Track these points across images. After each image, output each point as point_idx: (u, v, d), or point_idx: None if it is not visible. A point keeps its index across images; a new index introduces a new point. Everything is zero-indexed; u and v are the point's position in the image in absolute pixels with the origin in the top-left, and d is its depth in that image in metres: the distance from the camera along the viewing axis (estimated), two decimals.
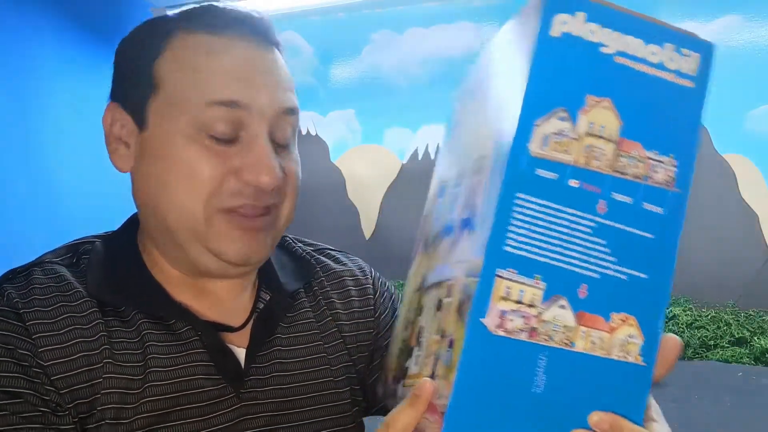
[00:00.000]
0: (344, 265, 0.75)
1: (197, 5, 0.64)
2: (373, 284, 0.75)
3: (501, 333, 0.43)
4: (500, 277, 0.43)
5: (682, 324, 2.48)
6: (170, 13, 0.66)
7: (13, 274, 0.61)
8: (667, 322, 2.59)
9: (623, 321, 0.45)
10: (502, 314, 0.43)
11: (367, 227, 3.19)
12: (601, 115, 0.45)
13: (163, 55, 0.61)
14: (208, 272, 0.62)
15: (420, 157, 3.19)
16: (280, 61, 0.63)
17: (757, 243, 2.50)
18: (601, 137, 0.45)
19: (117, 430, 0.56)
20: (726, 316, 2.48)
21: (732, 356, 2.35)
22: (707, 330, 2.46)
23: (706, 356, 2.39)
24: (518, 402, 0.43)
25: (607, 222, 0.44)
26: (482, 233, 0.44)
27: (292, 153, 0.63)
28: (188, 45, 0.61)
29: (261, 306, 0.67)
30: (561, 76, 0.45)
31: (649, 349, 0.44)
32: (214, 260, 0.60)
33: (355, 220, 3.20)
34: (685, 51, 0.47)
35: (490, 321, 0.43)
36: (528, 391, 0.43)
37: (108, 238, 0.67)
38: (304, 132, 3.05)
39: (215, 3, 0.64)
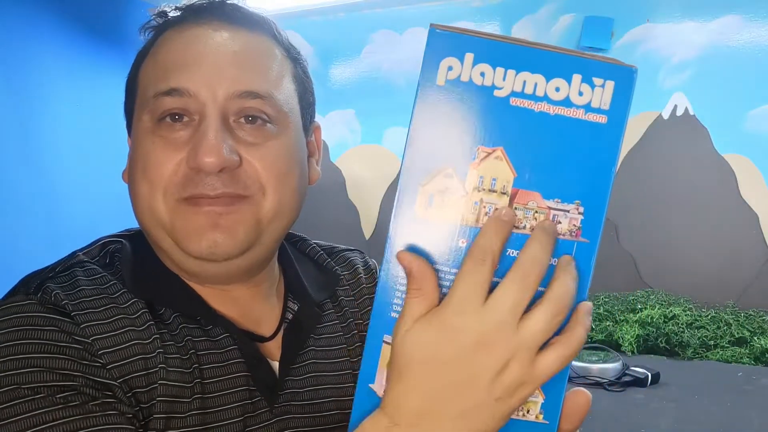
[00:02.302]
0: (359, 268, 0.74)
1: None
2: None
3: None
4: (387, 343, 0.42)
5: (682, 324, 2.48)
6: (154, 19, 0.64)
7: (53, 273, 0.57)
8: (666, 322, 2.60)
9: None
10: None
11: (367, 227, 3.19)
12: (492, 167, 0.41)
13: (144, 61, 0.61)
14: (198, 275, 0.60)
15: None
16: (244, 40, 0.59)
17: (757, 243, 2.50)
18: (492, 191, 0.41)
19: None
20: (726, 316, 2.48)
21: (732, 356, 2.35)
22: (707, 330, 2.46)
23: (706, 356, 2.39)
24: None
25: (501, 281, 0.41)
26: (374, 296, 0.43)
27: (270, 141, 0.58)
28: (159, 44, 0.61)
29: (290, 316, 0.65)
30: (447, 129, 0.41)
31: (552, 407, 0.43)
32: (190, 260, 0.57)
33: (355, 220, 3.20)
34: (597, 81, 0.41)
35: (378, 387, 0.42)
36: None
37: (133, 239, 0.64)
38: None
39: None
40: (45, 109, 2.44)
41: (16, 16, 2.35)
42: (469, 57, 0.40)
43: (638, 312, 2.54)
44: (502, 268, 0.40)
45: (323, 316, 0.67)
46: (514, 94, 0.41)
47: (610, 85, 0.41)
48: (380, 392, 0.42)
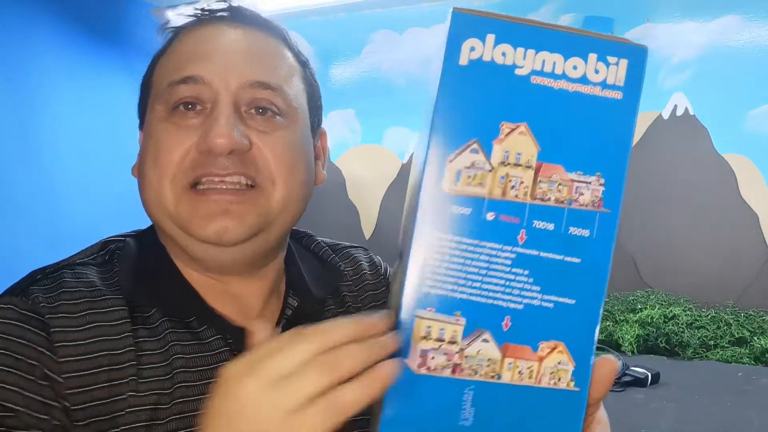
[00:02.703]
0: (364, 265, 0.74)
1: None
2: (387, 284, 0.74)
3: (423, 372, 0.43)
4: (420, 317, 0.42)
5: (682, 324, 2.47)
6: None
7: (42, 275, 0.59)
8: (666, 322, 2.59)
9: (552, 349, 0.44)
10: (424, 353, 0.43)
11: (367, 227, 3.19)
12: (516, 142, 0.43)
13: (160, 59, 0.63)
14: (203, 262, 0.60)
15: None
16: (256, 39, 0.62)
17: (757, 243, 2.50)
18: (518, 165, 0.43)
19: None
20: (726, 316, 2.48)
21: (732, 356, 2.34)
22: (707, 330, 2.45)
23: (706, 356, 2.39)
24: None
25: (528, 251, 0.43)
26: (403, 271, 0.44)
27: (279, 132, 0.60)
28: (175, 43, 0.63)
29: (289, 312, 0.65)
30: (471, 107, 0.42)
31: (582, 374, 0.44)
32: (196, 243, 0.58)
33: (355, 220, 3.20)
34: (611, 59, 0.44)
35: (411, 361, 0.43)
36: (456, 425, 0.43)
37: (139, 237, 0.66)
38: None
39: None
40: (45, 109, 2.44)
41: (16, 16, 2.35)
42: (490, 38, 0.42)
43: (638, 312, 2.54)
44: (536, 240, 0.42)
45: (324, 312, 0.67)
46: (534, 72, 0.43)
47: (623, 63, 0.44)
48: (414, 367, 0.42)
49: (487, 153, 0.42)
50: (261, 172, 0.58)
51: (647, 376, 2.02)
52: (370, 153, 3.19)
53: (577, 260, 0.43)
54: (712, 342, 2.40)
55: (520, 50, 0.42)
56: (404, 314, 0.42)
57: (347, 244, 0.77)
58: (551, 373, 0.44)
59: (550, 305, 0.44)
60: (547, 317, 0.44)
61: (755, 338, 2.34)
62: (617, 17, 2.68)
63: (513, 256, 0.43)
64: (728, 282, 2.52)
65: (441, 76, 0.42)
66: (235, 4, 0.64)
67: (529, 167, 0.43)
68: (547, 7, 2.81)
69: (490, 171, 0.43)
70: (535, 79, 0.43)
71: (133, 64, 2.81)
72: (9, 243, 2.15)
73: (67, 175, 2.48)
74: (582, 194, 0.43)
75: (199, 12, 0.63)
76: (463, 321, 0.43)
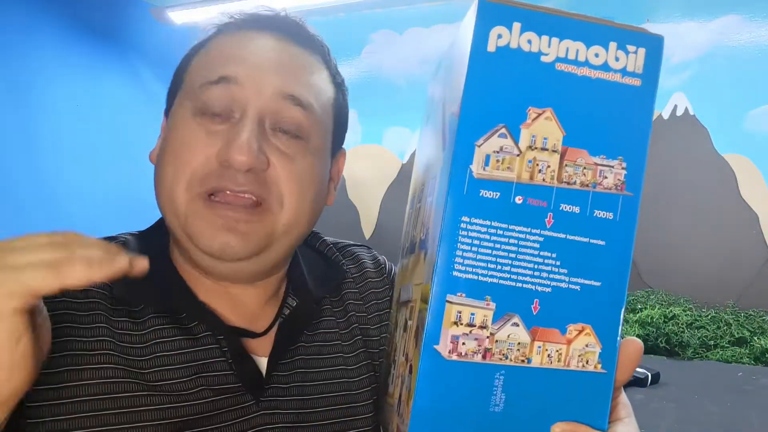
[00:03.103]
0: (367, 264, 0.74)
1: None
2: (391, 283, 0.74)
3: (454, 358, 0.43)
4: (450, 302, 0.42)
5: (682, 324, 2.47)
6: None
7: None
8: (666, 322, 2.59)
9: (580, 331, 0.45)
10: (454, 339, 0.43)
11: (367, 227, 3.19)
12: (543, 127, 0.44)
13: (197, 54, 0.63)
14: (204, 269, 0.60)
15: None
16: (296, 53, 0.61)
17: (757, 243, 2.50)
18: (544, 149, 0.44)
19: None
20: (726, 316, 2.48)
21: (732, 356, 2.34)
22: (707, 330, 2.45)
23: (706, 356, 2.39)
24: (478, 423, 0.43)
25: (556, 234, 0.44)
26: (431, 258, 0.44)
27: (300, 155, 0.59)
28: (214, 41, 0.62)
29: (286, 312, 0.65)
30: (499, 93, 0.43)
31: (609, 356, 0.45)
32: (198, 252, 0.58)
33: (355, 220, 3.20)
34: (630, 48, 0.45)
35: (443, 347, 0.43)
36: (487, 411, 0.43)
37: (141, 236, 0.66)
38: None
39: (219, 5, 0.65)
40: (45, 109, 2.44)
41: (16, 16, 2.35)
42: (516, 26, 0.43)
43: (638, 312, 2.54)
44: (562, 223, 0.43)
45: (321, 311, 0.67)
46: (558, 59, 0.44)
47: (642, 51, 0.45)
48: (445, 353, 0.42)
49: (515, 138, 0.43)
50: (272, 194, 0.58)
51: (647, 376, 2.02)
52: (370, 153, 3.19)
53: (602, 243, 0.44)
54: (712, 342, 2.40)
55: (545, 38, 0.44)
56: (434, 300, 0.42)
57: (351, 242, 0.77)
58: (579, 356, 0.44)
59: (577, 288, 0.44)
60: (574, 300, 0.44)
61: (755, 338, 2.34)
62: (617, 17, 2.67)
63: (541, 239, 0.44)
64: (728, 282, 2.52)
65: (469, 62, 0.43)
66: (282, 15, 0.64)
67: (555, 152, 0.44)
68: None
69: (518, 155, 0.43)
70: (560, 66, 0.44)
71: (133, 64, 2.81)
72: None
73: (67, 175, 2.48)
74: (606, 178, 0.44)
75: (244, 16, 0.63)
76: (493, 305, 0.43)
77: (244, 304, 0.64)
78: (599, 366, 0.45)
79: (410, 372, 0.45)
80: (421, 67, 3.04)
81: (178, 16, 2.92)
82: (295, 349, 0.63)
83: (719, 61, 2.51)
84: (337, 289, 0.70)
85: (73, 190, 2.49)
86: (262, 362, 0.61)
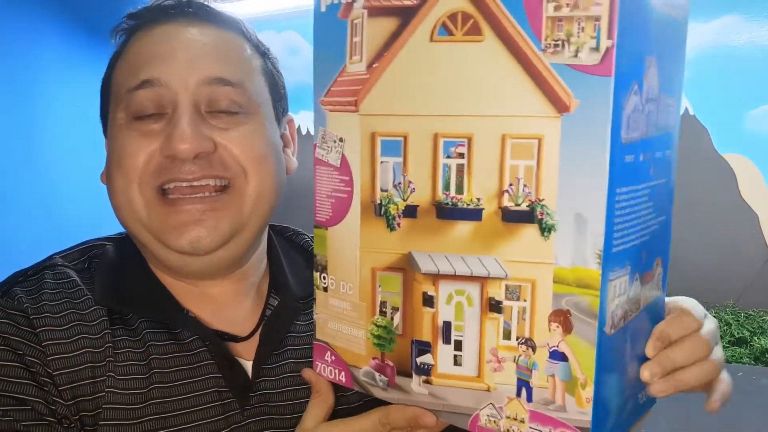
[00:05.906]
0: None
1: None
2: None
3: (612, 332, 0.41)
4: (611, 281, 0.40)
5: None
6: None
7: (23, 277, 0.59)
8: None
9: (657, 264, 0.48)
10: (613, 315, 0.41)
11: None
12: (652, 76, 0.41)
13: (116, 64, 0.62)
14: (178, 269, 0.60)
15: None
16: (211, 34, 0.60)
17: (757, 243, 2.50)
18: (652, 99, 0.41)
19: None
20: (726, 316, 2.48)
21: (732, 356, 2.34)
22: None
23: None
24: (621, 375, 0.43)
25: (653, 183, 0.44)
26: (576, 237, 0.39)
27: (242, 126, 0.58)
28: (129, 46, 0.62)
29: (269, 313, 0.64)
30: (632, 45, 0.38)
31: (664, 280, 0.51)
32: (171, 253, 0.57)
33: None
34: None
35: (608, 328, 0.40)
36: (625, 362, 0.44)
37: (119, 243, 0.65)
38: (303, 132, 3.02)
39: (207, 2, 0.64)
40: (45, 109, 2.44)
41: (16, 16, 2.35)
42: None
43: None
44: (658, 168, 0.43)
45: (308, 312, 0.65)
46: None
47: None
48: (609, 331, 0.40)
49: (641, 92, 0.39)
50: (231, 169, 0.57)
51: None
52: None
53: (664, 180, 0.46)
54: None
55: None
56: (604, 285, 0.39)
57: None
58: (656, 287, 0.49)
59: (657, 226, 0.46)
60: (657, 237, 0.46)
61: (755, 338, 2.34)
62: None
63: (648, 191, 0.43)
64: (728, 282, 2.52)
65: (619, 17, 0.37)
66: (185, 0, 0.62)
67: (654, 100, 0.41)
68: None
69: (642, 111, 0.40)
70: (657, 5, 0.41)
71: None
72: (9, 242, 2.15)
73: (67, 175, 2.48)
74: (668, 117, 0.44)
75: (150, 11, 0.62)
76: (628, 269, 0.42)
77: (225, 304, 0.63)
78: (661, 291, 0.50)
79: (557, 358, 0.41)
80: None
81: None
82: (282, 353, 0.62)
83: (719, 61, 2.51)
84: None
85: (73, 190, 2.49)
86: (248, 367, 0.61)
